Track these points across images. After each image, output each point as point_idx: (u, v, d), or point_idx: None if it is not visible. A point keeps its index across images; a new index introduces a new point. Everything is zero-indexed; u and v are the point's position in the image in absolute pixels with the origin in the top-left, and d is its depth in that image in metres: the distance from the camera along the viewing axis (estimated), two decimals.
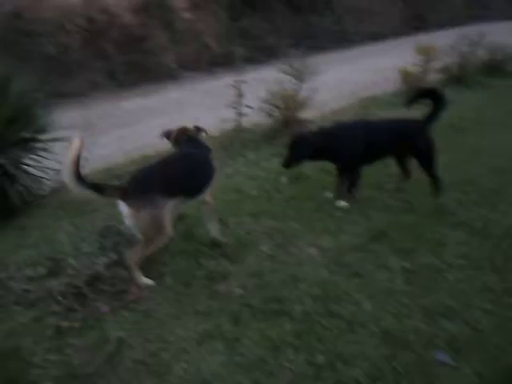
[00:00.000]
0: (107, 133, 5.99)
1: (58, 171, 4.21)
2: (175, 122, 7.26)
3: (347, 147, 3.48)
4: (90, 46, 9.56)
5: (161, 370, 2.12)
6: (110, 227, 3.08)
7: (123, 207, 2.51)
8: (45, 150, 3.94)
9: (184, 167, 2.77)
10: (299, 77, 5.17)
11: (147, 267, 2.78)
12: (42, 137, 3.90)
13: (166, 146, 5.64)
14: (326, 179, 3.99)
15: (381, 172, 4.11)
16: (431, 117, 3.58)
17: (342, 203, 3.59)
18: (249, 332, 2.33)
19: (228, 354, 2.20)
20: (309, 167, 4.13)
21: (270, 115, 5.32)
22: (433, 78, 7.38)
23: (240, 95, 5.04)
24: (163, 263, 2.83)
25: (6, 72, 3.69)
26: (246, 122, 5.34)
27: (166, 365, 2.14)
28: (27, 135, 3.66)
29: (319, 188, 3.90)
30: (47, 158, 3.98)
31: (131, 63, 9.60)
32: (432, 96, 3.59)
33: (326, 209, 3.55)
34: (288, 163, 3.49)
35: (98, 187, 2.45)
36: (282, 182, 4.03)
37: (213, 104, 7.53)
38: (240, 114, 5.19)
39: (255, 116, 5.32)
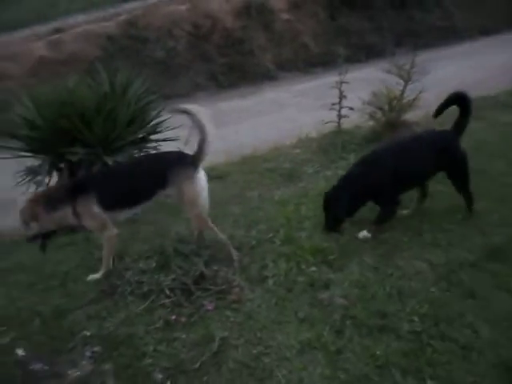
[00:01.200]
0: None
1: None
2: (273, 123, 7.31)
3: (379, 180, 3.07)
4: (194, 49, 10.05)
5: (263, 374, 2.11)
6: None
7: None
8: (155, 149, 4.20)
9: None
10: (405, 76, 4.88)
11: (248, 267, 2.82)
12: (154, 137, 4.16)
13: (262, 146, 5.77)
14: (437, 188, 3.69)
15: (500, 181, 3.71)
16: (461, 125, 3.15)
17: (363, 234, 3.13)
18: (352, 346, 2.24)
19: (330, 366, 2.13)
20: None
21: (372, 117, 5.10)
22: None
23: (341, 96, 4.90)
24: (264, 266, 2.84)
25: (126, 77, 4.00)
26: (346, 123, 5.18)
27: (268, 370, 2.13)
28: (141, 135, 3.92)
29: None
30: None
31: (231, 65, 9.91)
32: (458, 102, 3.14)
33: (435, 220, 3.28)
34: (331, 226, 3.13)
35: None
36: None
37: (310, 105, 7.45)
38: (340, 116, 5.05)
39: (356, 117, 5.14)
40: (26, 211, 2.76)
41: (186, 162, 2.77)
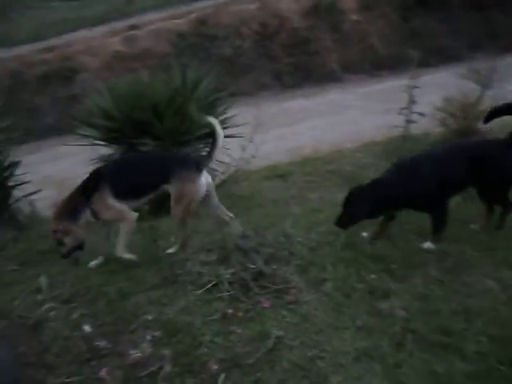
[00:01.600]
0: (267, 131, 6.24)
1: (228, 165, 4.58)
2: (335, 125, 7.20)
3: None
4: (260, 48, 10.15)
5: (317, 379, 2.08)
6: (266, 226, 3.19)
7: None
8: None
9: None
10: (484, 83, 4.60)
11: (306, 269, 2.79)
12: None
13: (323, 147, 5.70)
14: None
15: None
16: None
17: (427, 245, 2.98)
18: (411, 360, 2.14)
19: (388, 379, 2.06)
20: None
21: (442, 124, 4.88)
22: None
23: (412, 101, 4.73)
24: (323, 268, 2.80)
25: (197, 74, 4.12)
26: (414, 129, 4.99)
27: (323, 374, 2.10)
28: (208, 131, 4.02)
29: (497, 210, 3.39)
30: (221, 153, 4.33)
31: (296, 65, 9.90)
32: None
33: (509, 236, 3.07)
34: (343, 223, 3.00)
35: None
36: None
37: (375, 108, 7.27)
38: (409, 121, 4.87)
39: (425, 123, 4.93)
40: (55, 231, 2.90)
41: (190, 164, 3.05)
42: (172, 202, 2.96)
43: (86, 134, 4.11)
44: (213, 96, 4.18)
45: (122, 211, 2.93)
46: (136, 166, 3.11)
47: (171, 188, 2.96)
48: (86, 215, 2.91)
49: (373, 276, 2.72)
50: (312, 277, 2.73)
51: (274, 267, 2.74)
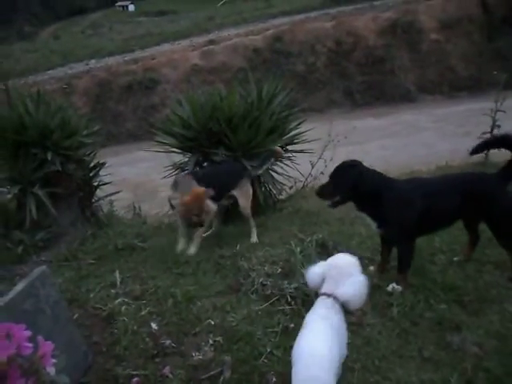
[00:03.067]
0: (336, 149, 6.19)
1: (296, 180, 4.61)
2: (406, 146, 6.97)
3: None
4: (333, 66, 10.16)
5: None
6: (327, 244, 3.16)
7: None
8: (290, 159, 4.34)
9: None
10: None
11: (372, 292, 2.72)
12: (290, 147, 4.30)
13: (392, 169, 5.53)
14: None
15: None
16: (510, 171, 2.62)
17: (392, 286, 2.73)
18: None
19: None
20: None
21: None
22: None
23: (495, 125, 4.48)
24: (389, 292, 2.72)
25: (273, 89, 4.22)
26: (495, 156, 4.70)
27: None
28: (279, 145, 4.09)
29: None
30: (290, 167, 4.39)
31: (369, 83, 9.78)
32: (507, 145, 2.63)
33: None
34: (323, 193, 2.76)
35: None
36: None
37: (451, 131, 6.96)
38: None
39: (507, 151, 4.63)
40: None
41: (247, 174, 3.69)
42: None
43: (164, 141, 4.34)
44: (286, 111, 4.25)
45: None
46: (218, 173, 3.65)
47: (237, 193, 3.57)
48: None
49: (443, 306, 2.59)
50: (377, 300, 2.65)
51: None
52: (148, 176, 5.63)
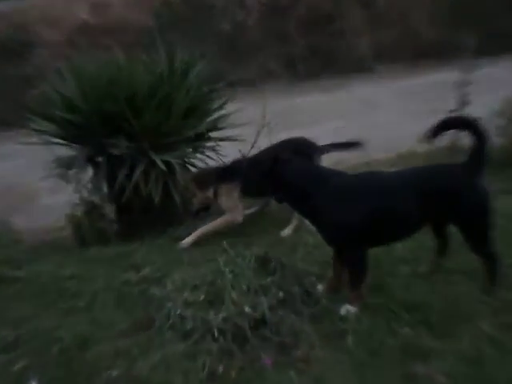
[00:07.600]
0: (274, 134, 6.29)
1: None
2: (362, 129, 7.28)
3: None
4: (268, 25, 10.31)
5: None
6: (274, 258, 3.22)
7: None
8: (213, 149, 4.35)
9: None
10: None
11: (322, 317, 2.82)
12: (214, 134, 4.32)
13: (344, 158, 5.76)
14: None
15: None
16: (478, 158, 2.86)
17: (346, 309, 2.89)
18: None
19: None
20: None
21: (502, 133, 4.95)
22: None
23: (463, 101, 4.81)
24: (343, 317, 2.83)
25: (189, 56, 4.19)
26: (465, 138, 5.05)
27: None
28: (199, 131, 4.08)
29: None
30: (213, 159, 4.40)
31: (314, 49, 10.05)
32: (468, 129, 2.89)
33: None
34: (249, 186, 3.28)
35: None
36: None
37: (416, 109, 7.36)
38: None
39: None
40: None
41: None
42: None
43: (42, 129, 4.16)
44: (207, 86, 4.26)
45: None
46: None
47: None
48: None
49: (407, 329, 2.75)
50: (328, 328, 2.76)
51: (281, 313, 2.77)
52: (22, 177, 5.40)
